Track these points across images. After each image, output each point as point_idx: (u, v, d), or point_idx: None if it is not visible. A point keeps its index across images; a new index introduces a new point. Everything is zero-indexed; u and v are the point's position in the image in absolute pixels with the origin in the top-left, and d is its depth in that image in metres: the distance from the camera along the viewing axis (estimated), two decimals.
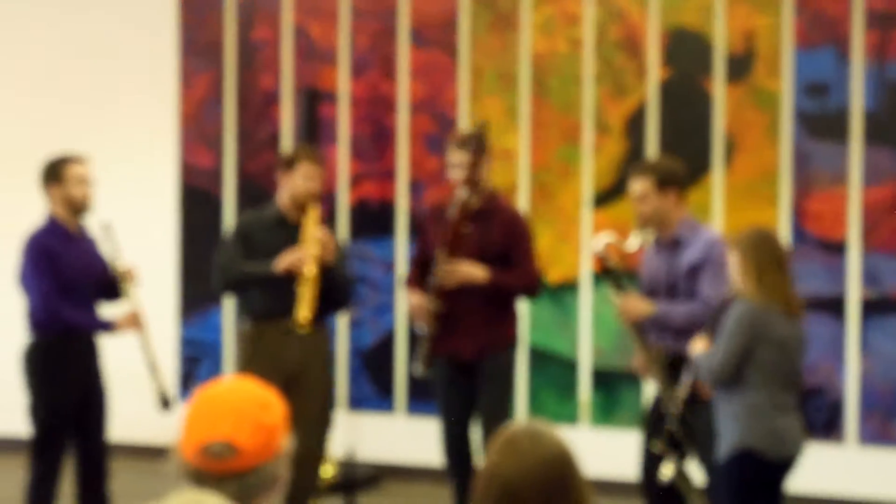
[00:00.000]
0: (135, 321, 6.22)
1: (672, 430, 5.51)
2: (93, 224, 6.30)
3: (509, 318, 6.26)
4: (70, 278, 6.08)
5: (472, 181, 6.03)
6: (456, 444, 6.32)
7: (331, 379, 6.45)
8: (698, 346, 5.25)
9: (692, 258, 5.70)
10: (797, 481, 5.45)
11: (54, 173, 6.13)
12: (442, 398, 6.33)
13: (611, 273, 5.90)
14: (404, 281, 6.70)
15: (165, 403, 6.16)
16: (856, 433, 7.28)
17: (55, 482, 6.12)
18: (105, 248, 6.24)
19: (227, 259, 6.31)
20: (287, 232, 6.26)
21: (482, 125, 6.19)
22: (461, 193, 6.04)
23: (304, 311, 6.11)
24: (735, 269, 5.16)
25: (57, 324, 6.05)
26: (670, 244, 5.76)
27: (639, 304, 5.77)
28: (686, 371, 5.47)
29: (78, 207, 6.14)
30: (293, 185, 6.27)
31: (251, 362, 6.27)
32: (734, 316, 5.10)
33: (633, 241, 5.80)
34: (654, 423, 5.73)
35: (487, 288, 6.07)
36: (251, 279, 6.28)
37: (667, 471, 5.46)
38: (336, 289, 6.33)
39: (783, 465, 5.14)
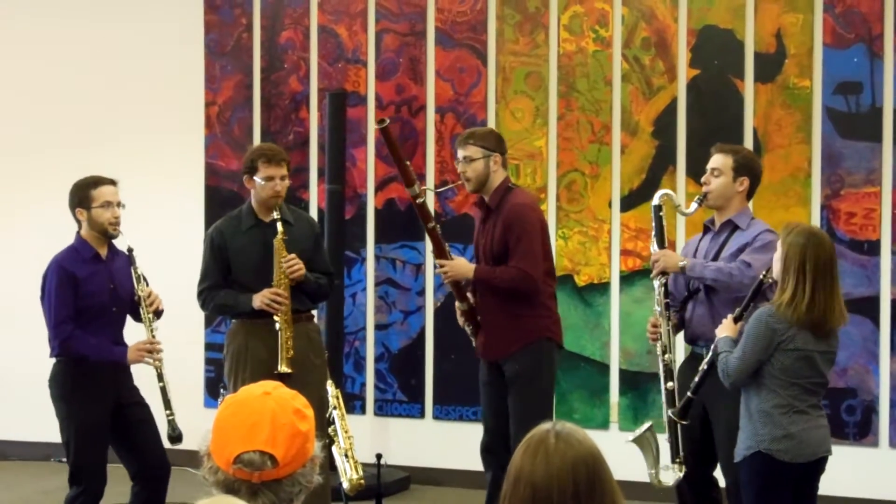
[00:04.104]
0: (147, 351, 5.94)
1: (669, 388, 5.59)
2: (123, 246, 6.03)
3: (531, 315, 6.12)
4: (95, 303, 5.90)
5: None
6: (488, 445, 6.28)
7: (325, 368, 6.41)
8: (725, 328, 5.16)
9: (742, 242, 5.62)
10: (829, 483, 5.37)
11: (80, 196, 5.94)
12: (482, 398, 6.34)
13: (657, 223, 5.81)
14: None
15: (174, 439, 5.88)
16: (889, 435, 7.21)
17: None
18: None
19: (208, 284, 6.37)
20: (262, 232, 6.27)
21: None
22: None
23: (283, 361, 6.15)
24: (776, 262, 4.98)
25: (69, 354, 5.86)
26: (724, 227, 5.70)
27: (673, 256, 5.71)
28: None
29: (104, 230, 5.93)
30: (256, 189, 6.28)
31: (244, 355, 6.26)
32: (755, 321, 4.96)
33: (691, 207, 5.80)
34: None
35: (476, 284, 6.14)
36: (231, 311, 6.39)
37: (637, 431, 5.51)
38: (312, 293, 6.39)
39: (801, 466, 5.03)
